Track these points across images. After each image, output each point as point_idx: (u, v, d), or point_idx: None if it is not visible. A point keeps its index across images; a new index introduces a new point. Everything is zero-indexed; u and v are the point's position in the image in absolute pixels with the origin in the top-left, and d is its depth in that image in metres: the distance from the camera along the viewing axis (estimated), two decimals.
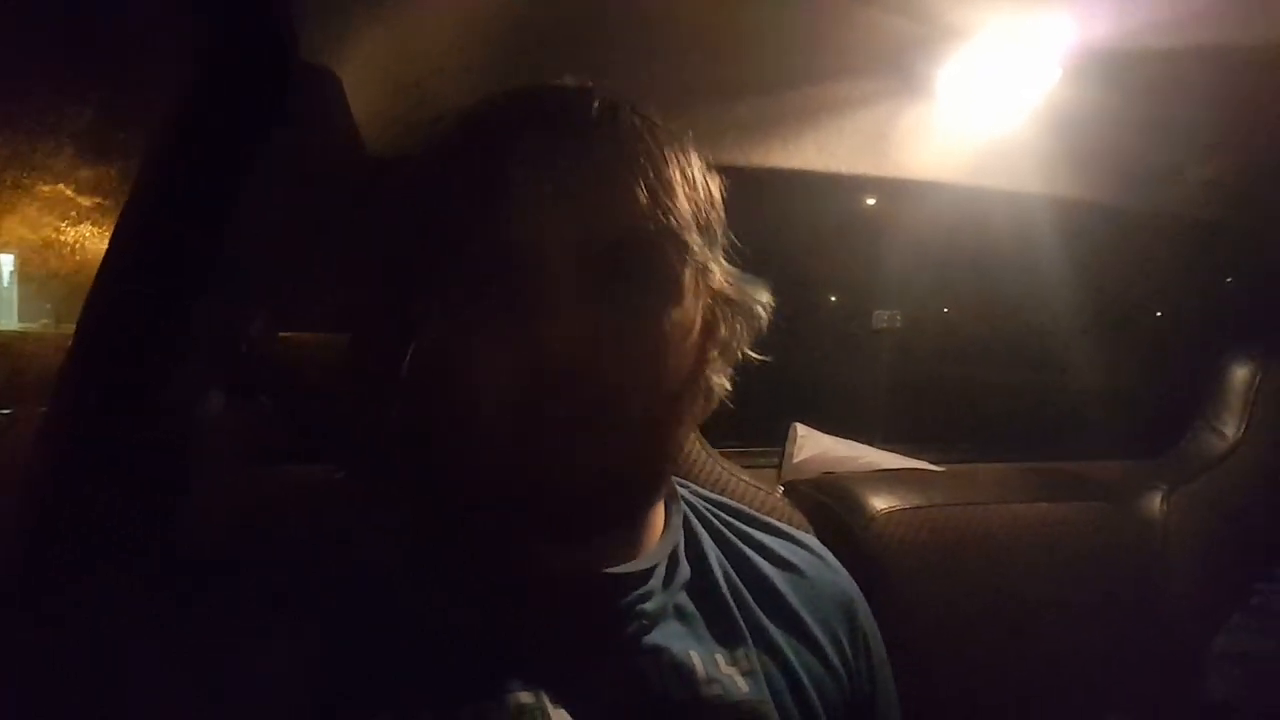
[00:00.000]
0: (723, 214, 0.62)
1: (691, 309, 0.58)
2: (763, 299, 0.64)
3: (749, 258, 0.64)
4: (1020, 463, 1.44)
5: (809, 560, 0.71)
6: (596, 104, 0.56)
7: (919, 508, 1.03)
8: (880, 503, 1.01)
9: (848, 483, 1.07)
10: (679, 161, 0.57)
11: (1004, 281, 1.81)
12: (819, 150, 1.14)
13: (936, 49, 0.97)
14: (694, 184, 0.58)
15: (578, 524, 0.55)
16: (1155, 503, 1.20)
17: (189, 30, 0.73)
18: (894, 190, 1.43)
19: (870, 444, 1.43)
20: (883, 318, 1.79)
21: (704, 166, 0.60)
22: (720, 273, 0.60)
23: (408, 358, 0.62)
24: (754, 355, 0.65)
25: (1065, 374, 1.80)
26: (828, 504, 1.02)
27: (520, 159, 0.53)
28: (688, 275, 0.57)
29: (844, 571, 0.73)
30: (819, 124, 1.10)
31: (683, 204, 0.56)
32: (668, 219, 0.54)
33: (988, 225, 1.40)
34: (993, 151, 1.19)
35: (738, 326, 0.63)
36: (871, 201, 1.71)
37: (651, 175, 0.54)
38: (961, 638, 0.98)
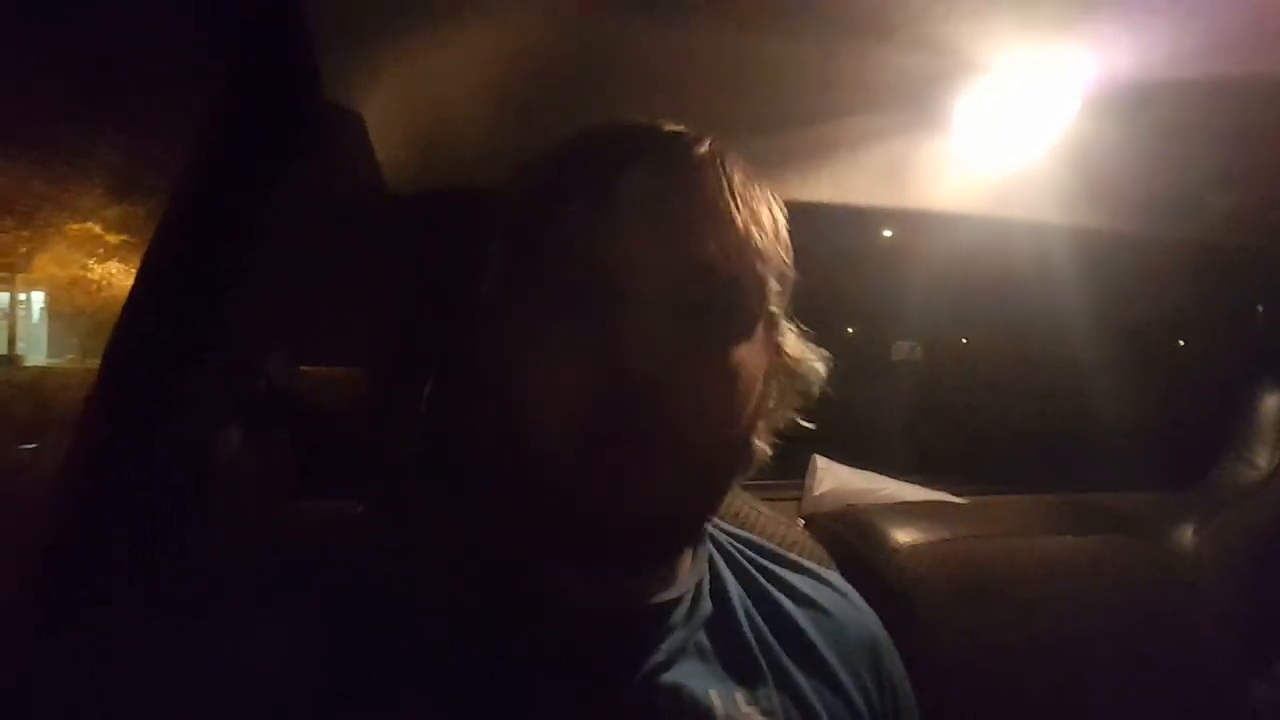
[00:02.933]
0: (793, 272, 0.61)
1: (760, 357, 0.58)
2: (820, 370, 0.64)
3: None
4: (1044, 494, 1.42)
5: (834, 599, 0.70)
6: (706, 144, 0.57)
7: (942, 541, 1.01)
8: (903, 536, 1.00)
9: (869, 516, 1.06)
10: (771, 210, 0.58)
11: (1025, 312, 1.80)
12: (837, 184, 1.14)
13: (954, 82, 0.97)
14: (780, 237, 0.59)
15: (624, 554, 0.54)
16: (1186, 535, 1.18)
17: (215, 71, 0.74)
18: (911, 221, 1.43)
19: (891, 476, 1.42)
20: (903, 349, 1.78)
21: (781, 210, 0.60)
22: (789, 331, 0.62)
23: (429, 389, 0.62)
24: (800, 422, 0.66)
25: (1089, 405, 1.78)
26: (849, 538, 1.01)
27: (617, 185, 0.54)
28: (762, 319, 0.58)
29: (870, 611, 0.72)
30: (837, 157, 1.11)
31: (770, 248, 0.57)
32: (755, 258, 0.55)
33: (1008, 256, 1.40)
34: (1012, 183, 1.19)
35: (789, 397, 0.64)
36: (888, 233, 1.71)
37: (748, 215, 0.55)
38: (988, 674, 0.96)
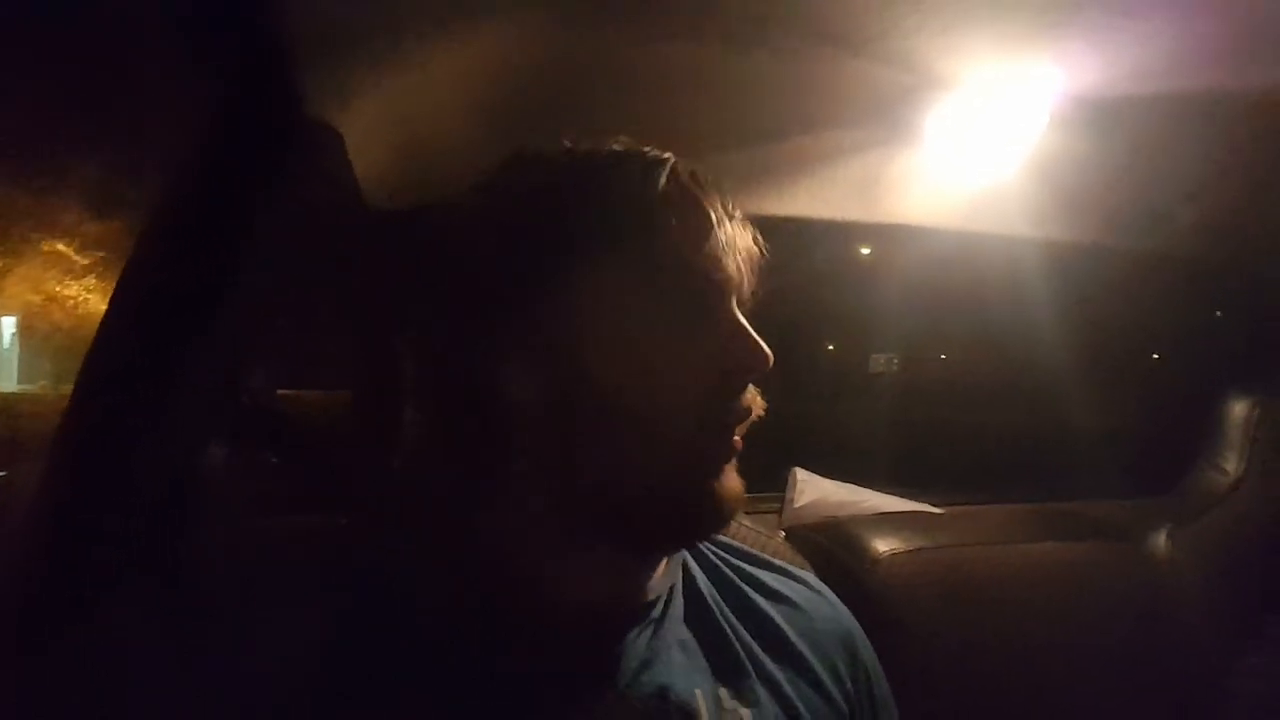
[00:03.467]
0: None
1: None
2: None
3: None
4: (1022, 504, 1.44)
5: (806, 595, 0.71)
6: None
7: (922, 549, 1.02)
8: (883, 545, 1.01)
9: (850, 526, 1.06)
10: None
11: (999, 324, 1.83)
12: (811, 198, 1.16)
13: (925, 97, 0.99)
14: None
15: (715, 525, 0.60)
16: (1160, 541, 1.20)
17: (195, 87, 0.74)
18: (887, 236, 1.45)
19: (871, 488, 1.43)
20: (880, 361, 1.80)
21: None
22: None
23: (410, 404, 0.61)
24: None
25: (1064, 415, 1.80)
26: (830, 548, 1.01)
27: (714, 204, 0.61)
28: None
29: (843, 606, 0.73)
30: (811, 172, 1.12)
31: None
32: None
33: (982, 269, 1.42)
34: (982, 196, 1.21)
35: None
36: (866, 251, 1.73)
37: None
38: (969, 678, 0.97)
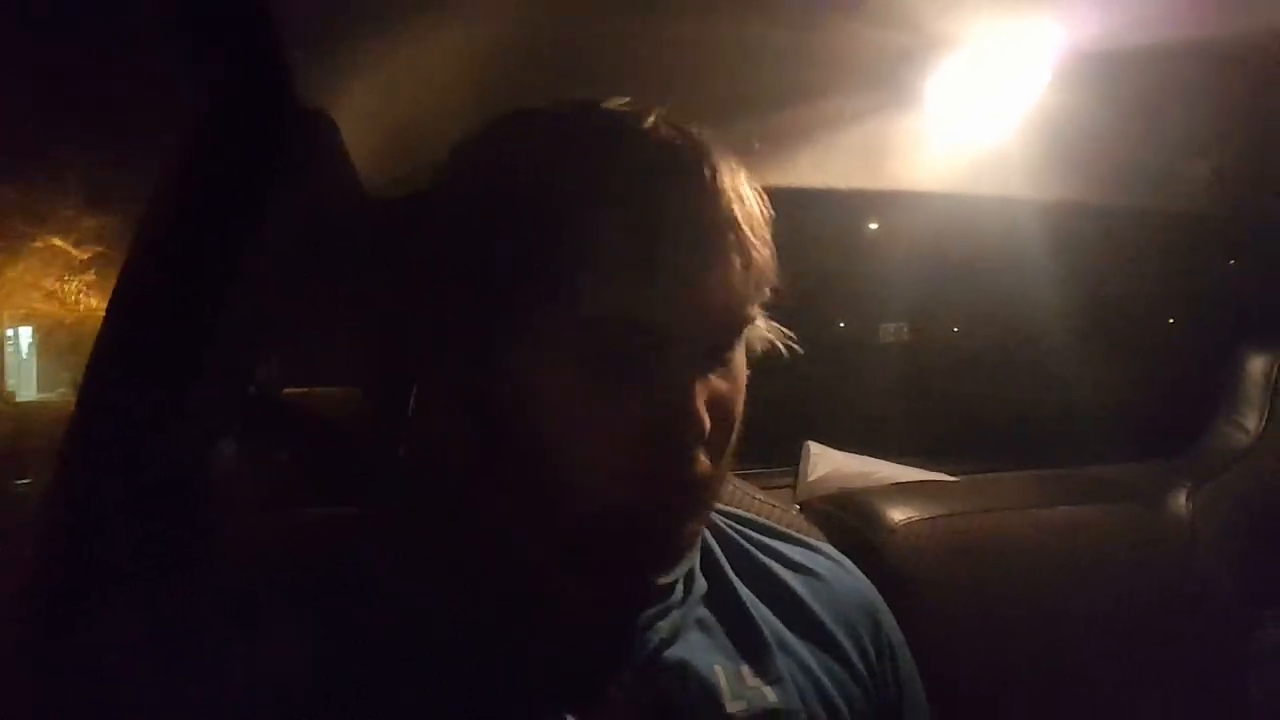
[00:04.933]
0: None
1: (743, 357, 0.59)
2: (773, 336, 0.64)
3: None
4: (1038, 469, 1.42)
5: (828, 566, 0.70)
6: (708, 167, 0.53)
7: (938, 517, 1.01)
8: (899, 514, 1.00)
9: (865, 496, 1.06)
10: (764, 216, 0.56)
11: (1008, 288, 1.80)
12: (813, 167, 1.14)
13: (924, 59, 0.98)
14: (771, 247, 0.56)
15: (650, 569, 0.57)
16: (1180, 501, 1.18)
17: (187, 79, 0.74)
18: (892, 204, 1.43)
19: (884, 459, 1.42)
20: (889, 330, 1.78)
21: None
22: (764, 324, 0.61)
23: (417, 398, 0.61)
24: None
25: (1077, 379, 1.78)
26: (845, 519, 1.01)
27: (650, 232, 0.51)
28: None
29: (864, 577, 0.72)
30: (813, 140, 1.11)
31: (770, 266, 0.55)
32: (760, 282, 0.55)
33: (989, 233, 1.40)
34: (986, 159, 1.19)
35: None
36: (873, 224, 1.72)
37: (761, 244, 0.54)
38: (990, 645, 0.96)
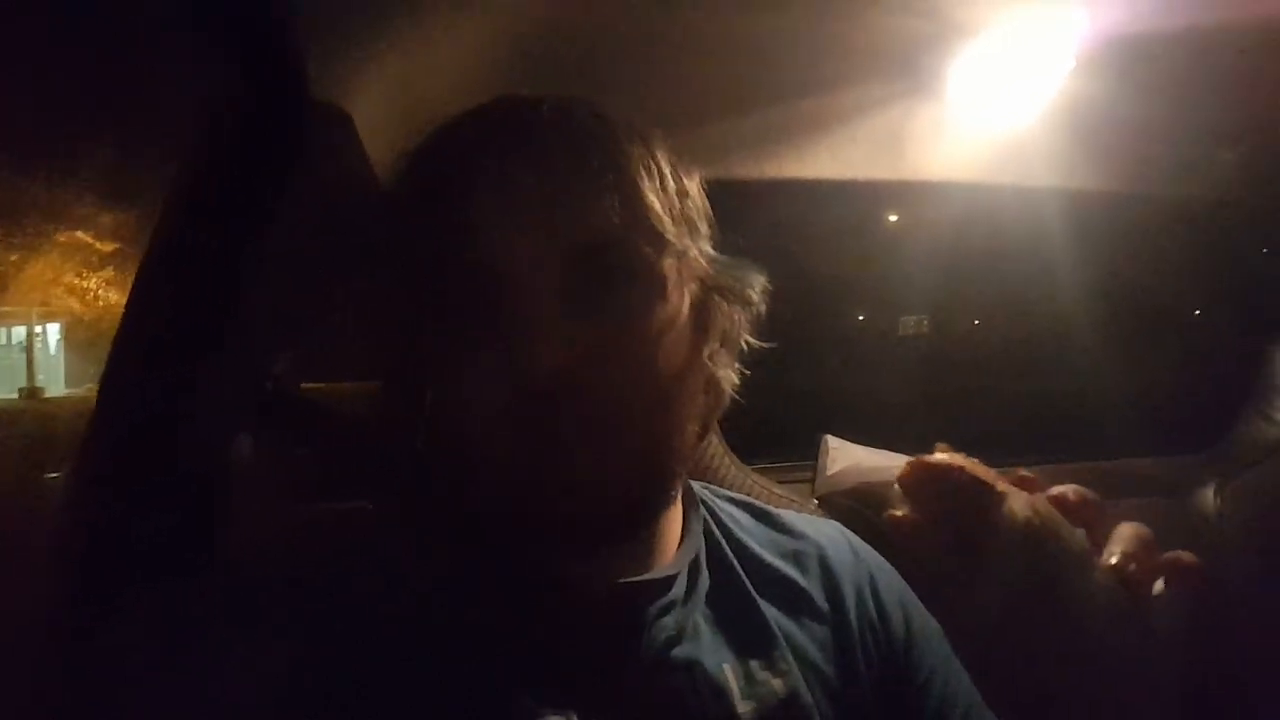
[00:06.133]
0: (704, 205, 0.61)
1: (677, 301, 0.57)
2: (757, 283, 0.61)
3: (769, 269, 0.63)
4: (1062, 463, 1.40)
5: (828, 551, 0.68)
6: (546, 109, 0.55)
7: None
8: None
9: (884, 490, 1.04)
10: (642, 157, 0.55)
11: (1031, 279, 1.78)
12: (833, 158, 1.13)
13: (946, 46, 0.96)
14: (661, 177, 0.56)
15: (584, 536, 0.54)
16: (1209, 495, 1.17)
17: (202, 74, 0.74)
18: (912, 194, 1.42)
19: (905, 453, 1.40)
20: (909, 323, 1.76)
21: (672, 160, 0.58)
22: (705, 260, 0.59)
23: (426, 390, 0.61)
24: (758, 343, 0.64)
25: (1100, 370, 1.76)
26: (865, 513, 1.00)
27: (476, 178, 0.53)
28: (667, 267, 0.56)
29: (865, 547, 0.70)
30: (831, 131, 1.10)
31: (650, 198, 0.54)
32: (633, 216, 0.53)
33: (1012, 223, 1.38)
34: (1010, 148, 1.17)
35: (735, 315, 0.61)
36: (893, 215, 1.70)
37: (611, 176, 0.53)
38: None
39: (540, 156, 0.53)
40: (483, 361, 0.52)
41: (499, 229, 0.53)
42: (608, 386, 0.52)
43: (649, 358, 0.54)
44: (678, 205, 0.57)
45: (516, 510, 0.53)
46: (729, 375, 0.62)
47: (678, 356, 0.56)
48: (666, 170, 0.57)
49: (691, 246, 0.58)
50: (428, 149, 0.58)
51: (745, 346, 0.63)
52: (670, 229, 0.55)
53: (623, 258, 0.54)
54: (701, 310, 0.59)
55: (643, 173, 0.55)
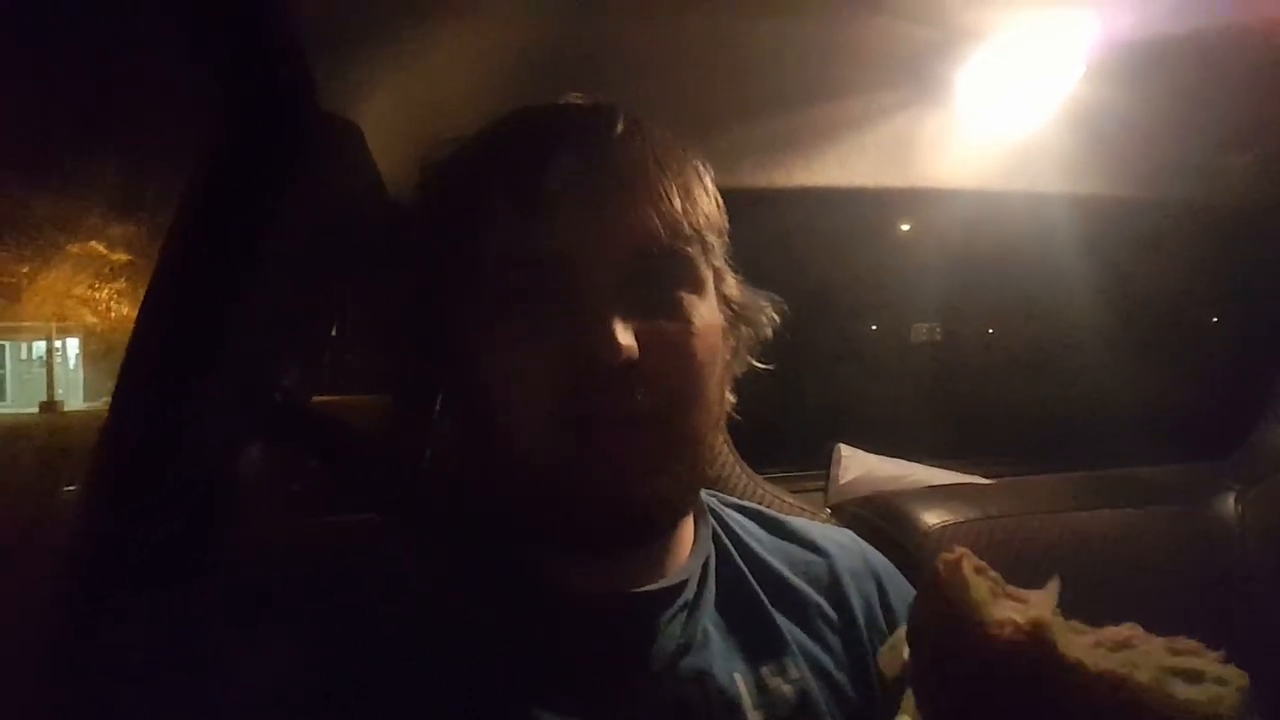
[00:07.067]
0: (723, 217, 0.63)
1: (715, 312, 0.59)
2: (768, 310, 0.65)
3: (780, 278, 0.64)
4: (1076, 472, 1.38)
5: (833, 550, 0.68)
6: (622, 118, 0.57)
7: (974, 521, 0.99)
8: (933, 518, 0.98)
9: (898, 500, 1.04)
10: (698, 171, 0.59)
11: (1044, 286, 1.77)
12: (841, 166, 1.13)
13: (954, 53, 0.96)
14: (710, 193, 0.60)
15: (616, 533, 0.55)
16: (1229, 504, 1.14)
17: (210, 86, 0.74)
18: (928, 205, 1.41)
19: (918, 461, 1.39)
20: (921, 331, 1.75)
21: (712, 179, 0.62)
22: (732, 280, 0.62)
23: (440, 399, 0.61)
24: (759, 365, 0.66)
25: (1115, 377, 1.74)
26: (878, 523, 0.99)
27: (552, 171, 0.54)
28: (710, 277, 0.59)
29: (874, 552, 0.71)
30: (839, 139, 1.09)
31: (706, 208, 0.58)
32: (694, 222, 0.56)
33: (1023, 230, 1.37)
34: (1019, 155, 1.16)
35: (747, 336, 0.64)
36: (904, 222, 1.69)
37: (679, 182, 0.56)
38: None
39: (613, 155, 0.56)
40: (541, 350, 0.53)
41: (570, 220, 0.54)
42: (660, 376, 0.54)
43: (696, 354, 0.56)
44: (719, 223, 0.60)
45: (557, 499, 0.54)
46: (728, 396, 0.65)
47: (716, 360, 0.59)
48: (713, 188, 0.61)
49: (726, 269, 0.62)
50: (499, 136, 0.59)
51: (751, 365, 0.66)
52: (715, 242, 0.59)
53: (678, 258, 0.56)
54: (727, 332, 0.62)
55: (699, 185, 0.58)
